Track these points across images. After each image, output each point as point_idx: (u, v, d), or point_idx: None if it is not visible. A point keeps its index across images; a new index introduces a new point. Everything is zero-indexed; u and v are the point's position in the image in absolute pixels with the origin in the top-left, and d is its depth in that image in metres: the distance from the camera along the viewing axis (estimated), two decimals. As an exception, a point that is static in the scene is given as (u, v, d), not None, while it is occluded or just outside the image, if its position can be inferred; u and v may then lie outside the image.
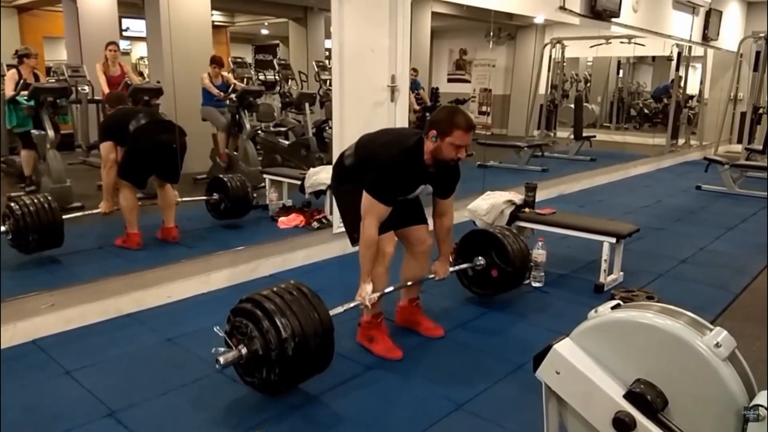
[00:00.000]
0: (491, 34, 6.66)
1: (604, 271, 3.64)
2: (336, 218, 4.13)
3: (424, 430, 2.21)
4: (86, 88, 5.81)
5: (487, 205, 3.90)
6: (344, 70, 4.08)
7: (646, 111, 12.54)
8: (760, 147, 8.27)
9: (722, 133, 10.24)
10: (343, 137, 3.97)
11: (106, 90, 5.45)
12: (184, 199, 4.45)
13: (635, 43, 9.05)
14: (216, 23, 9.16)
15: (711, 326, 1.51)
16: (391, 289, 2.79)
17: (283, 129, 7.05)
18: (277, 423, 2.23)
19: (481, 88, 10.00)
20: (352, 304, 2.60)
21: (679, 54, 9.36)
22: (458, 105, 5.26)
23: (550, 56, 10.15)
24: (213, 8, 6.77)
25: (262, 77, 8.18)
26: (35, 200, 3.59)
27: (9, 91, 5.09)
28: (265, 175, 5.24)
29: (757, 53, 9.36)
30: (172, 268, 3.47)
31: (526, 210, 3.93)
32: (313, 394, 2.42)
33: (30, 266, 3.58)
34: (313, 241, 4.21)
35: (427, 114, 7.20)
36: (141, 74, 7.57)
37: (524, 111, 10.09)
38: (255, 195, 4.85)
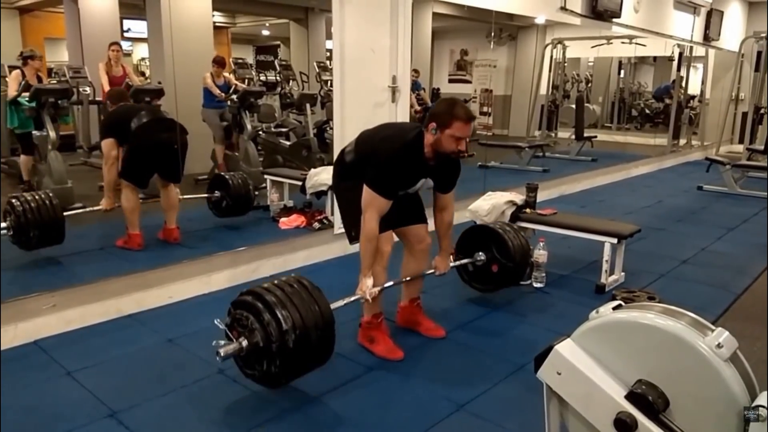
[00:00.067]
0: (492, 34, 6.64)
1: (606, 271, 3.63)
2: (337, 219, 4.13)
3: (425, 430, 2.21)
4: (87, 89, 5.82)
5: (488, 206, 3.90)
6: (345, 71, 4.08)
7: (647, 111, 12.52)
8: (762, 147, 8.24)
9: (723, 133, 10.23)
10: (344, 138, 3.97)
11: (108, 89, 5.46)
12: (186, 196, 4.45)
13: (636, 44, 9.05)
14: (217, 24, 9.15)
15: (712, 327, 1.51)
16: (390, 283, 2.78)
17: (284, 130, 7.05)
18: (278, 423, 2.23)
19: (482, 89, 9.99)
20: (352, 298, 2.60)
21: (681, 54, 9.34)
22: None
23: (551, 56, 10.14)
24: (214, 9, 6.78)
25: (263, 78, 8.17)
26: (36, 197, 3.60)
27: (11, 92, 5.10)
28: (266, 176, 5.24)
29: (759, 53, 9.35)
30: (173, 269, 3.47)
31: (528, 210, 3.93)
32: (314, 394, 2.42)
33: (31, 267, 3.59)
34: (314, 241, 4.21)
35: (428, 115, 7.18)
36: (143, 74, 7.58)
37: (525, 111, 10.08)
38: (257, 193, 4.85)
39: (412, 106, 4.90)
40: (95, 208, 4.05)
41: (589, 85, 12.31)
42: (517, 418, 2.28)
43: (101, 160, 4.08)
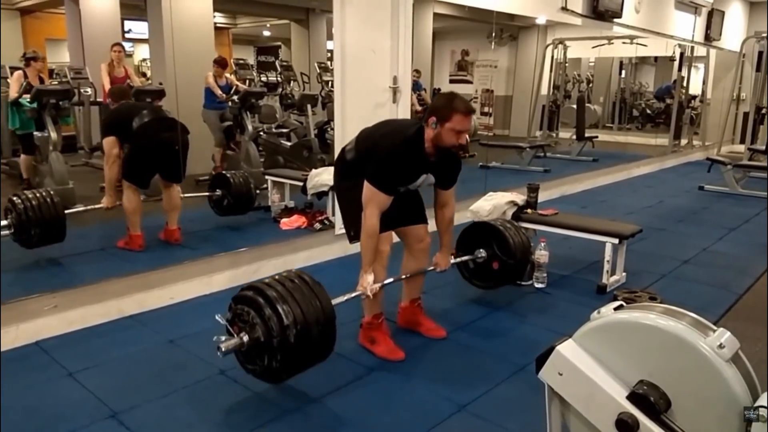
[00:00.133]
0: (493, 35, 6.63)
1: (607, 272, 3.63)
2: (338, 219, 4.13)
3: (426, 431, 2.21)
4: (89, 90, 5.82)
5: (490, 206, 3.89)
6: (346, 72, 4.08)
7: (648, 111, 12.51)
8: (763, 147, 8.24)
9: (725, 133, 10.22)
10: (345, 138, 3.95)
11: (109, 90, 5.46)
12: (187, 195, 4.44)
13: (637, 44, 9.05)
14: (218, 25, 9.16)
15: (714, 327, 1.51)
16: (390, 280, 2.78)
17: (285, 130, 7.05)
18: (279, 424, 2.23)
19: (483, 89, 9.99)
20: (353, 294, 2.59)
21: (682, 54, 9.33)
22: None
23: (552, 57, 10.14)
24: (215, 10, 6.78)
25: (264, 79, 8.18)
26: (37, 195, 3.60)
27: (13, 93, 5.11)
28: (267, 177, 5.24)
29: (760, 53, 9.35)
30: (174, 270, 3.48)
31: (529, 211, 3.93)
32: (315, 395, 2.42)
33: (32, 268, 3.59)
34: (315, 242, 4.21)
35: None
36: (144, 75, 7.59)
37: (526, 112, 10.07)
38: (258, 192, 4.86)
39: (413, 107, 4.90)
40: (96, 206, 4.05)
41: (590, 85, 12.30)
42: (518, 419, 2.28)
43: (102, 161, 4.08)
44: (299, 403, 2.37)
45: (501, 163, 7.71)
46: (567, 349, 1.61)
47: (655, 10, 8.06)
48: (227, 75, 6.35)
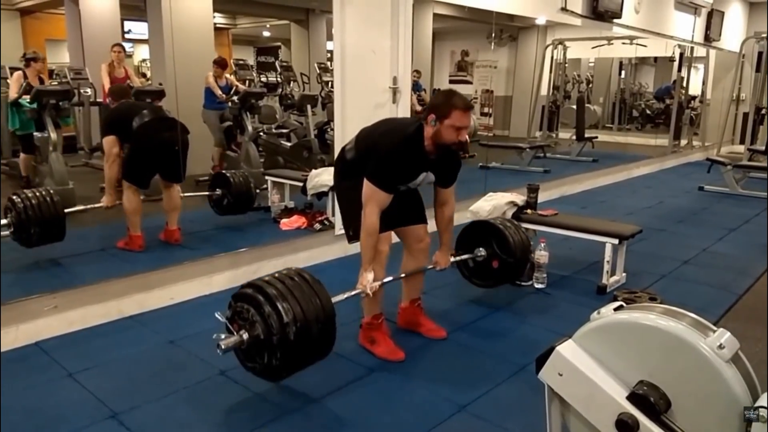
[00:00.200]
0: (493, 35, 6.64)
1: (607, 272, 3.63)
2: (338, 220, 4.13)
3: (426, 431, 2.21)
4: (89, 90, 5.82)
5: (489, 207, 3.90)
6: (346, 72, 4.08)
7: (648, 112, 12.52)
8: (763, 148, 8.24)
9: (725, 133, 10.22)
10: (345, 139, 3.94)
11: (110, 90, 5.46)
12: (187, 194, 4.44)
13: (637, 44, 9.05)
14: (218, 25, 9.15)
15: (714, 328, 1.51)
16: (390, 278, 2.77)
17: (285, 131, 7.06)
18: (279, 424, 2.23)
19: (483, 90, 10.00)
20: (353, 292, 2.59)
21: (681, 55, 9.34)
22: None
23: (552, 57, 10.14)
24: (215, 11, 6.78)
25: (264, 79, 8.18)
26: (37, 193, 3.60)
27: (12, 94, 5.11)
28: (267, 177, 5.24)
29: (759, 54, 9.34)
30: (174, 270, 3.48)
31: (528, 211, 3.93)
32: (315, 396, 2.42)
33: (32, 268, 3.59)
34: (315, 242, 4.21)
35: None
36: (144, 76, 7.59)
37: (526, 112, 10.07)
38: (258, 191, 4.86)
39: (412, 107, 4.90)
40: (96, 205, 4.05)
41: (590, 85, 12.30)
42: (518, 419, 2.28)
43: (102, 161, 4.08)
44: (299, 403, 2.37)
45: (501, 164, 7.71)
46: (567, 349, 1.61)
47: (655, 11, 8.06)
48: (227, 75, 6.35)
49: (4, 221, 3.56)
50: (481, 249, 3.29)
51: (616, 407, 1.51)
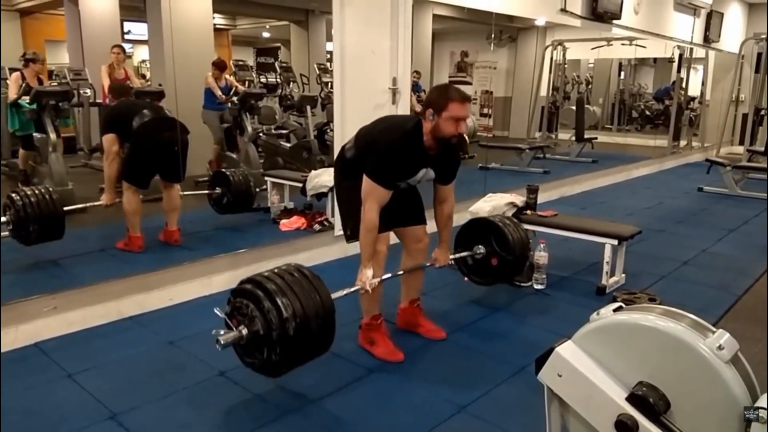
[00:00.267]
0: (492, 36, 6.64)
1: (606, 273, 3.63)
2: (337, 221, 4.13)
3: (425, 432, 2.21)
4: (88, 91, 5.82)
5: (489, 207, 3.89)
6: (345, 73, 4.08)
7: (647, 113, 12.53)
8: (762, 148, 8.25)
9: (724, 134, 10.22)
10: (345, 140, 3.91)
11: (109, 92, 5.47)
12: (186, 193, 4.44)
13: (636, 45, 9.04)
14: (217, 26, 9.16)
15: (713, 328, 1.51)
16: (389, 275, 2.77)
17: (284, 132, 7.06)
18: (279, 425, 2.23)
19: (483, 90, 10.00)
20: (353, 289, 2.59)
21: (681, 56, 9.35)
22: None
23: (552, 58, 10.15)
24: (214, 11, 6.79)
25: (263, 80, 8.18)
26: (36, 191, 3.60)
27: (12, 95, 5.11)
28: (266, 178, 5.24)
29: (759, 55, 9.35)
30: (173, 271, 3.48)
31: (528, 212, 3.93)
32: (315, 396, 2.42)
33: (32, 269, 3.59)
34: (315, 243, 4.21)
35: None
36: (143, 77, 7.60)
37: (526, 113, 10.08)
38: (258, 190, 4.86)
39: (412, 108, 4.90)
40: (96, 203, 4.05)
41: (590, 86, 12.31)
42: (518, 420, 2.28)
43: (102, 162, 4.08)
44: (299, 404, 2.37)
45: (500, 165, 7.71)
46: (566, 350, 1.61)
47: (654, 12, 8.07)
48: (226, 76, 6.35)
49: (3, 219, 3.55)
50: (480, 246, 3.28)
51: (615, 408, 1.51)
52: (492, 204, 3.92)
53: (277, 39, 11.08)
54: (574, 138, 9.13)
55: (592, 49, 9.76)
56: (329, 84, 6.65)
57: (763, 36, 9.16)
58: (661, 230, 5.27)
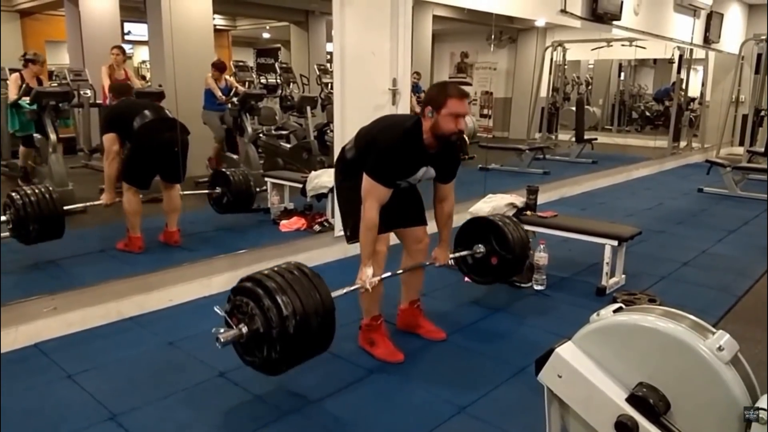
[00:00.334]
0: (492, 37, 6.64)
1: (606, 274, 3.63)
2: (337, 221, 4.13)
3: (425, 433, 2.21)
4: (88, 91, 5.83)
5: (489, 208, 3.89)
6: (345, 74, 4.08)
7: (647, 114, 12.53)
8: (762, 149, 8.25)
9: (724, 135, 10.23)
10: (345, 140, 3.91)
11: (109, 93, 5.48)
12: (186, 192, 4.44)
13: (636, 46, 9.05)
14: (217, 27, 9.18)
15: (713, 329, 1.51)
16: (389, 274, 2.77)
17: (284, 132, 7.06)
18: (279, 426, 2.23)
19: (483, 91, 10.01)
20: (353, 287, 2.59)
21: (681, 56, 9.35)
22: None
23: (552, 59, 10.15)
24: (214, 12, 6.80)
25: (263, 81, 8.19)
26: (36, 190, 3.59)
27: (12, 95, 5.11)
28: (266, 179, 5.24)
29: (759, 56, 9.36)
30: (173, 272, 3.47)
31: (528, 213, 3.93)
32: (314, 397, 2.42)
33: (32, 270, 3.59)
34: (315, 244, 4.21)
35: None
36: (143, 77, 7.60)
37: (526, 114, 10.08)
38: (258, 190, 4.86)
39: (412, 109, 4.90)
40: (96, 202, 4.05)
41: (590, 87, 12.32)
42: (518, 421, 2.28)
43: (102, 162, 4.08)
44: (299, 404, 2.37)
45: (500, 165, 7.71)
46: (566, 351, 1.61)
47: (654, 13, 8.07)
48: (226, 77, 6.36)
49: (3, 218, 3.55)
50: (480, 245, 3.27)
51: (615, 409, 1.51)
52: (492, 205, 3.92)
53: (277, 40, 11.09)
54: (574, 139, 9.13)
55: (592, 50, 9.77)
56: (329, 85, 6.66)
57: (763, 37, 9.17)
58: (661, 231, 5.27)
